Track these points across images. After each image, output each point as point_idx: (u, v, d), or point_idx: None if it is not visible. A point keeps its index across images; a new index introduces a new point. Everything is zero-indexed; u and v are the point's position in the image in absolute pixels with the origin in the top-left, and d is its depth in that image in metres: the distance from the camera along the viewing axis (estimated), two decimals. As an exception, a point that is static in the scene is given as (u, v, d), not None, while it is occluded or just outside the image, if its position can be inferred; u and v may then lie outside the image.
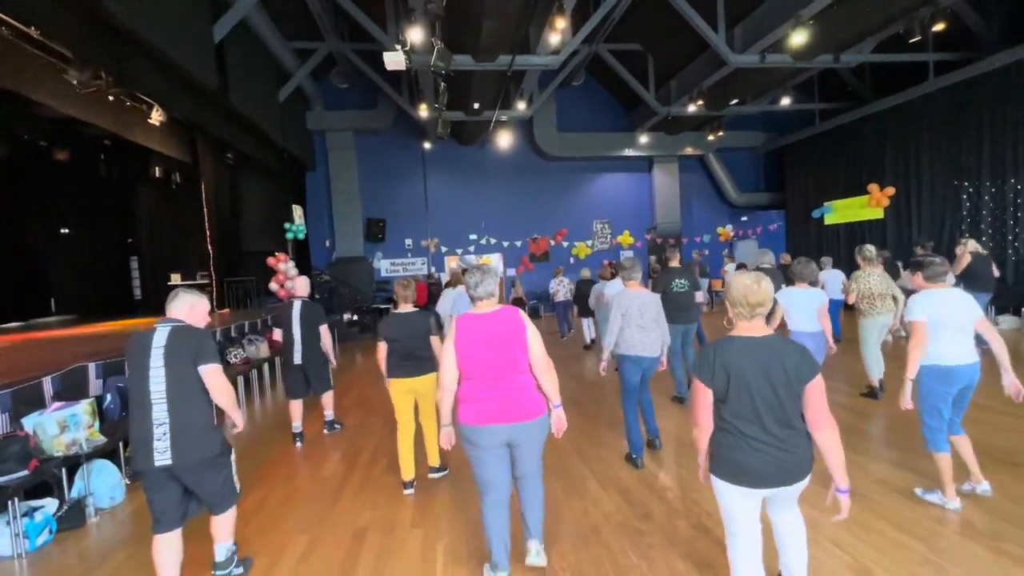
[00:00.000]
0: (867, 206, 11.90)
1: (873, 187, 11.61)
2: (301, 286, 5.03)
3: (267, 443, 4.96)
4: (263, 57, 9.87)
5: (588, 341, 9.09)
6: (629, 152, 14.76)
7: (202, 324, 2.56)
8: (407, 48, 6.81)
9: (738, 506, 1.92)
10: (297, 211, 11.87)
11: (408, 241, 14.74)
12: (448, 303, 5.80)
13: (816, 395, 1.84)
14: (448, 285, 7.12)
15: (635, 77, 12.56)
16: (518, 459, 2.48)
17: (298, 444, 4.82)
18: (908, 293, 3.52)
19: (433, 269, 14.69)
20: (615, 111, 15.17)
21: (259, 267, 10.79)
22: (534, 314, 14.17)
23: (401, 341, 3.58)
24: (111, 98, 7.12)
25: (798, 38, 7.71)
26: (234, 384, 6.33)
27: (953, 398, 2.94)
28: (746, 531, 1.94)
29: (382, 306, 13.44)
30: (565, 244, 15.29)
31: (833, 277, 7.35)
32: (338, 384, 7.32)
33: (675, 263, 5.59)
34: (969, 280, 6.74)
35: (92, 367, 4.56)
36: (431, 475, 3.80)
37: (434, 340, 3.64)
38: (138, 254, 12.94)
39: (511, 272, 14.96)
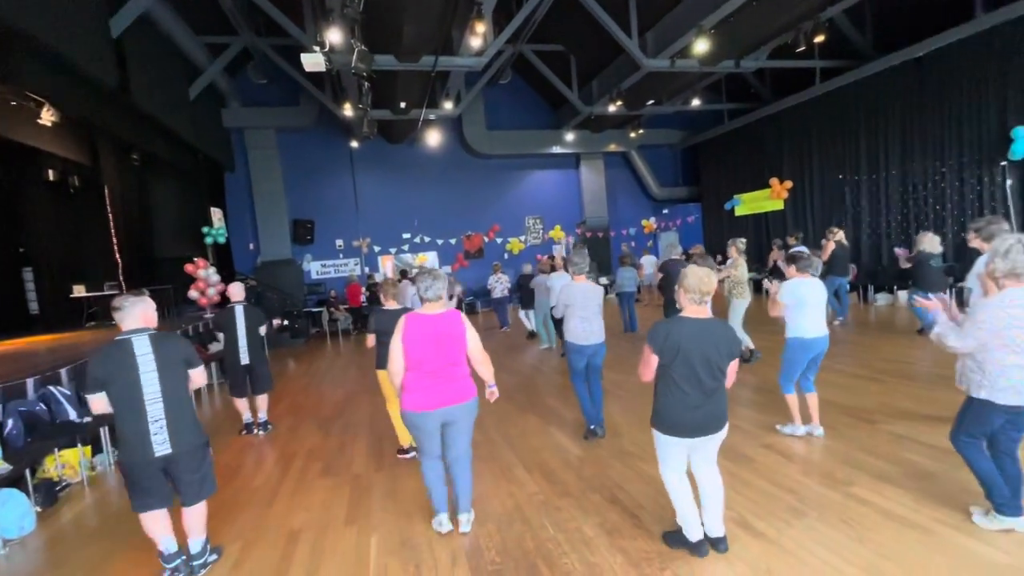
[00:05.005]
0: (769, 198, 13.08)
1: (774, 181, 12.78)
2: (236, 292, 5.31)
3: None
4: (169, 52, 9.30)
5: (530, 330, 9.48)
6: (557, 149, 15.22)
7: (155, 324, 2.79)
8: (326, 49, 6.72)
9: (671, 446, 2.54)
10: (216, 214, 11.30)
11: (339, 242, 14.42)
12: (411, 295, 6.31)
13: (733, 366, 2.51)
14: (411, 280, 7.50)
15: (559, 77, 12.98)
16: (450, 439, 2.91)
17: (258, 432, 5.27)
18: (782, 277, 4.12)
19: (367, 269, 14.48)
20: (542, 109, 15.58)
21: (176, 274, 10.20)
22: (471, 309, 14.36)
23: (390, 334, 3.82)
24: (-9, 96, 6.50)
25: (701, 45, 8.38)
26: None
27: (809, 361, 3.85)
28: (676, 460, 2.58)
29: (314, 310, 13.12)
30: (499, 240, 15.57)
31: None
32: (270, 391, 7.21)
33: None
34: (831, 265, 7.72)
35: (-12, 392, 4.24)
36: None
37: None
38: (32, 265, 11.75)
39: (447, 269, 15.03)
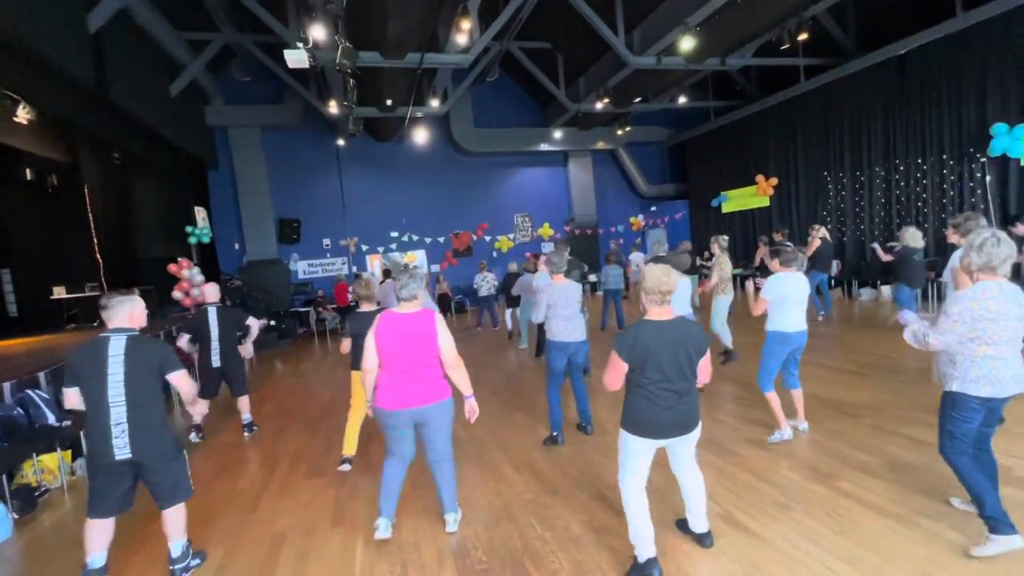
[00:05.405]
0: (756, 195, 13.20)
1: (760, 178, 12.90)
2: (211, 293, 5.15)
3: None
4: (149, 49, 9.13)
5: (509, 330, 9.43)
6: (545, 147, 15.22)
7: (143, 324, 2.80)
8: (310, 46, 6.64)
9: (637, 448, 2.43)
10: (200, 213, 11.14)
11: (326, 241, 14.30)
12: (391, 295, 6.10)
13: (705, 361, 2.44)
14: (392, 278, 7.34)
15: (546, 74, 12.96)
16: (429, 441, 2.90)
17: (194, 436, 5.09)
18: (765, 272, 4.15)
19: (355, 268, 14.37)
20: (530, 107, 15.56)
21: (159, 275, 10.03)
22: (460, 308, 14.32)
23: (364, 336, 3.77)
24: (-37, 93, 6.33)
25: (687, 43, 8.41)
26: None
27: (788, 356, 3.85)
28: (640, 464, 2.45)
29: (301, 310, 13.00)
30: (487, 238, 15.54)
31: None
32: (256, 392, 7.13)
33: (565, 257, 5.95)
34: (814, 261, 7.83)
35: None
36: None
37: None
38: (10, 266, 11.50)
39: (435, 268, 15.00)
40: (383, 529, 2.91)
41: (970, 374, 2.36)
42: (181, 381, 2.77)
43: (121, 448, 2.53)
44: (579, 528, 2.93)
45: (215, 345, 4.99)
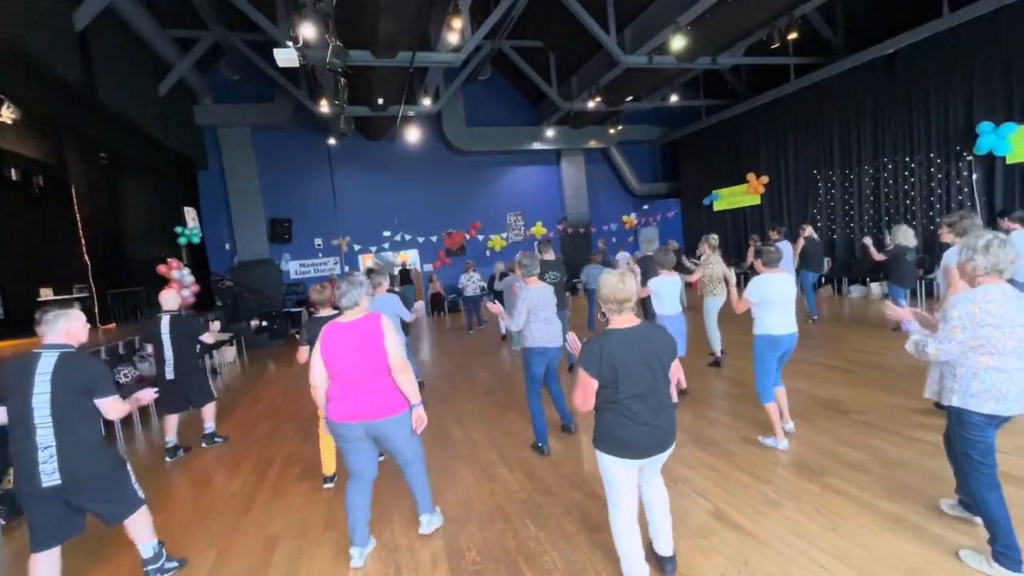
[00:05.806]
0: (747, 193, 13.28)
1: (751, 176, 12.98)
2: (167, 300, 4.83)
3: (169, 463, 4.72)
4: (137, 47, 9.03)
5: (503, 333, 9.41)
6: (537, 145, 15.20)
7: (83, 340, 2.63)
8: (300, 44, 6.59)
9: (620, 476, 2.25)
10: (190, 213, 11.02)
11: (318, 241, 14.21)
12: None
13: (676, 365, 2.34)
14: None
15: (539, 73, 12.95)
16: (392, 451, 2.84)
17: (168, 459, 4.73)
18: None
19: (348, 268, 14.31)
20: (522, 105, 15.55)
21: (149, 276, 9.92)
22: (453, 307, 14.30)
23: None
24: (-54, 93, 6.22)
25: (678, 42, 8.43)
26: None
27: (777, 359, 3.71)
28: (627, 497, 2.27)
29: (293, 310, 12.92)
30: (480, 237, 15.51)
31: (786, 247, 7.73)
32: (249, 393, 7.09)
33: (548, 256, 5.78)
34: (803, 260, 7.87)
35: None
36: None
37: None
38: (-5, 268, 11.34)
39: (428, 267, 14.98)
40: (358, 558, 2.77)
41: (971, 388, 2.19)
42: (111, 408, 2.56)
43: (49, 474, 2.35)
44: (573, 527, 2.93)
45: (168, 356, 4.70)
